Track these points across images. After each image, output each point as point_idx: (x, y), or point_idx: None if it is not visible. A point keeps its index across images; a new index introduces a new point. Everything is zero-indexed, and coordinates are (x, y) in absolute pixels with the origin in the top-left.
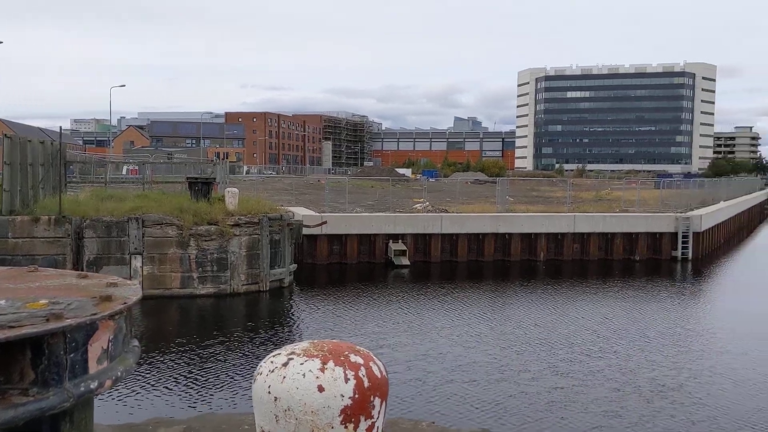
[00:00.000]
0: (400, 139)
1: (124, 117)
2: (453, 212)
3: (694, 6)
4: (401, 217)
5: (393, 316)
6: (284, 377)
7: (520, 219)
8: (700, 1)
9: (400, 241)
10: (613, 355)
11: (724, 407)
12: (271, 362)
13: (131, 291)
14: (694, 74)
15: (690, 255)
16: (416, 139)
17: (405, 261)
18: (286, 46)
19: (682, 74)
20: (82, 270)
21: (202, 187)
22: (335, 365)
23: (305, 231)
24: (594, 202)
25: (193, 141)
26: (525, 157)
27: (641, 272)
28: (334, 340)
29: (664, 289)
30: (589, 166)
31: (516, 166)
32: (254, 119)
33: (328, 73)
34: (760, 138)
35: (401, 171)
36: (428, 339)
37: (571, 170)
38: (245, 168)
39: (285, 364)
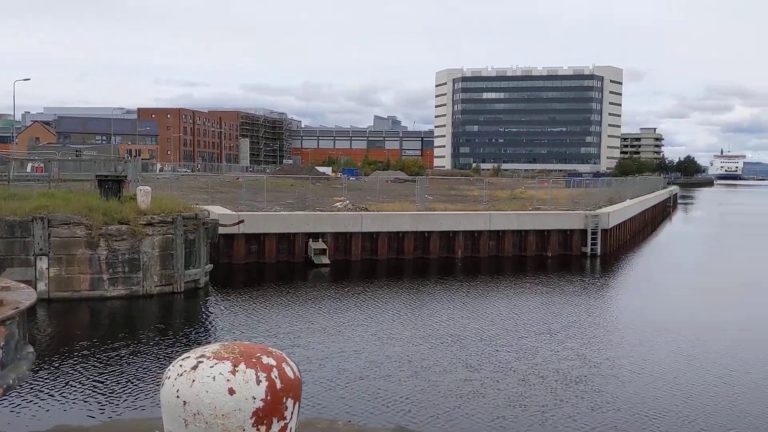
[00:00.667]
0: (320, 137)
1: (28, 112)
2: (373, 211)
3: (602, 12)
4: (321, 216)
5: (311, 315)
6: (193, 381)
7: (439, 217)
8: (607, 7)
9: (320, 239)
10: (522, 348)
11: (622, 395)
12: (180, 365)
13: (24, 295)
14: (603, 77)
15: (599, 251)
16: (336, 138)
17: (325, 260)
18: (201, 41)
19: (591, 77)
20: None
21: (112, 185)
22: (247, 367)
23: (221, 230)
24: (509, 200)
25: (104, 138)
26: (444, 157)
27: (553, 268)
28: (245, 342)
29: (574, 284)
30: (505, 166)
31: (435, 165)
32: (168, 115)
33: (245, 70)
34: (663, 139)
35: (321, 169)
36: (345, 338)
37: (488, 169)
38: (159, 166)
39: (194, 368)
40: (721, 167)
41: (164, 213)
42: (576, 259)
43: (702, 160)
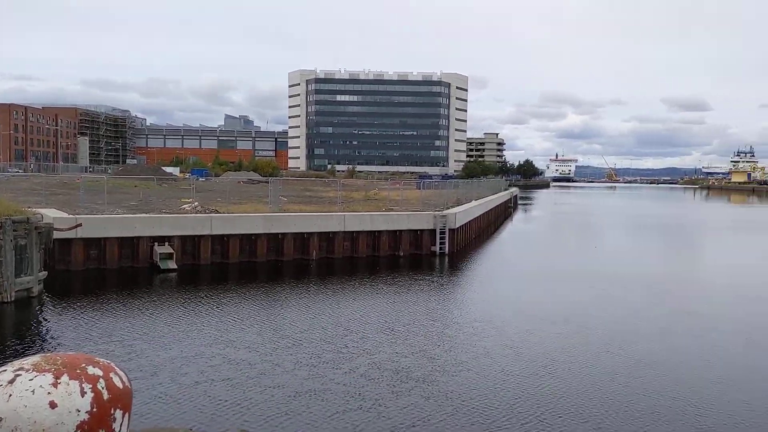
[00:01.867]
0: (167, 137)
1: None
2: (224, 212)
3: (448, 20)
4: (167, 218)
5: (152, 323)
6: (10, 395)
7: (293, 219)
8: (453, 17)
9: (166, 243)
10: (364, 346)
11: (454, 384)
12: None
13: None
14: (449, 84)
15: (447, 249)
16: (185, 137)
17: (172, 265)
18: (35, 32)
19: (439, 83)
20: None
21: None
22: (70, 379)
23: (56, 235)
24: (363, 201)
25: None
26: (298, 158)
27: (405, 267)
28: (70, 353)
29: (422, 282)
30: (359, 168)
31: (290, 166)
32: None
33: (84, 64)
34: (504, 143)
35: (168, 170)
36: (187, 344)
37: (343, 171)
38: None
39: (11, 381)
40: (556, 170)
41: None
42: (426, 258)
43: (539, 163)
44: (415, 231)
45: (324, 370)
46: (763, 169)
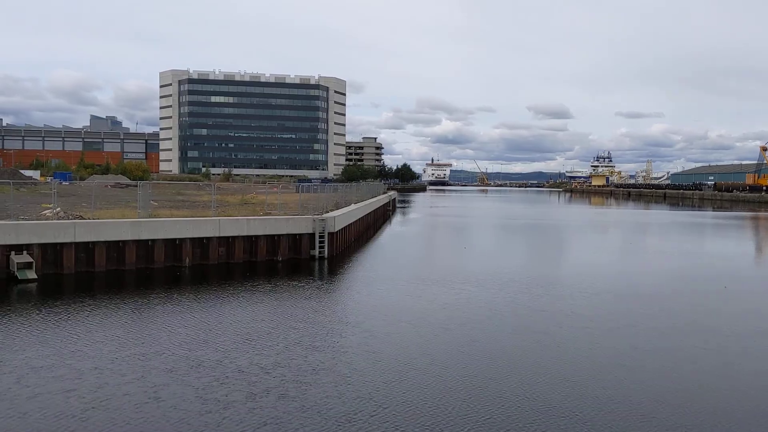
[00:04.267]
0: (26, 138)
1: None
2: (89, 218)
3: (324, 24)
4: (25, 225)
5: (18, 340)
6: None
7: (164, 224)
8: (329, 20)
9: (24, 252)
10: (229, 354)
11: (315, 388)
12: None
13: None
14: (328, 87)
15: (326, 253)
16: (46, 138)
17: (31, 275)
18: None
19: (317, 87)
20: None
21: None
22: None
23: None
24: (240, 206)
25: None
26: (171, 160)
27: (283, 272)
28: None
29: (301, 287)
30: (236, 171)
31: (161, 169)
32: None
33: None
34: (383, 148)
35: (28, 173)
36: (68, 362)
37: (218, 174)
38: None
39: None
40: (432, 174)
41: None
42: (305, 262)
43: (416, 167)
44: (294, 235)
45: (203, 381)
46: (619, 173)
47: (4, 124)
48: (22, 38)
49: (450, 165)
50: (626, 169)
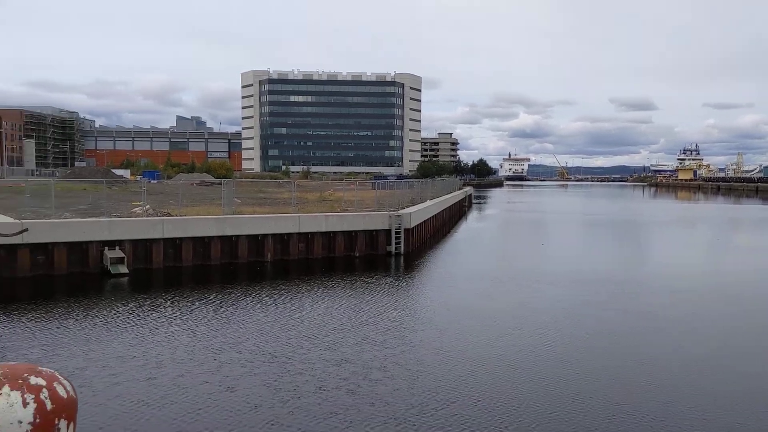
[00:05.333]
0: (117, 138)
1: None
2: (176, 215)
3: (402, 21)
4: (118, 222)
5: (102, 330)
6: None
7: (247, 221)
8: (405, 17)
9: (117, 248)
10: (321, 348)
11: (401, 384)
12: None
13: None
14: (403, 84)
15: (402, 249)
16: (135, 139)
17: (123, 269)
18: None
19: (392, 84)
20: None
21: None
22: (11, 389)
23: (0, 240)
24: (318, 202)
25: None
26: (252, 159)
27: (360, 267)
28: (11, 363)
29: (377, 282)
30: (314, 168)
31: (243, 167)
32: None
33: (29, 65)
34: (458, 143)
35: (119, 172)
36: (152, 352)
37: (297, 172)
38: None
39: None
40: (510, 169)
41: None
42: (381, 258)
43: (493, 162)
44: (371, 231)
45: (296, 374)
46: (707, 166)
47: (97, 125)
48: (113, 44)
49: (528, 159)
50: (715, 162)
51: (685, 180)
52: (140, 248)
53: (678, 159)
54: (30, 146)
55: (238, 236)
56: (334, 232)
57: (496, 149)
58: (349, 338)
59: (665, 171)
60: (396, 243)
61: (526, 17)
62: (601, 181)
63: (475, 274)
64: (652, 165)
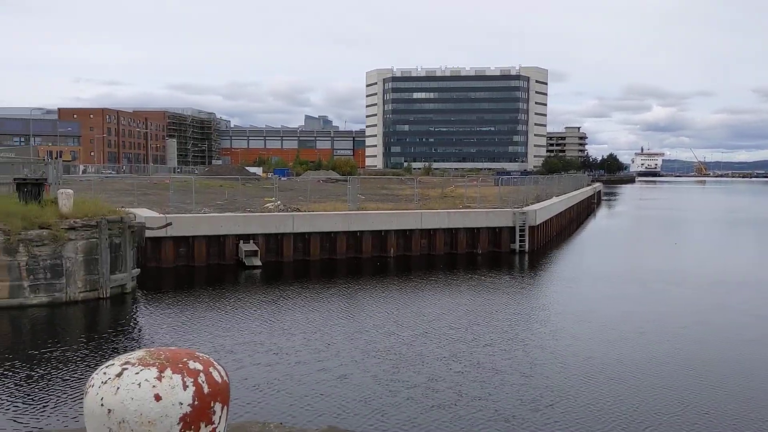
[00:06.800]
0: (250, 137)
1: None
2: (305, 211)
3: (525, 14)
4: (252, 217)
5: (243, 318)
6: (118, 388)
7: (371, 216)
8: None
9: (251, 241)
10: (453, 343)
11: (557, 385)
12: (104, 373)
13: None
14: (528, 78)
15: (526, 247)
16: (267, 137)
17: (256, 262)
18: (121, 39)
19: (517, 77)
20: None
21: (32, 188)
22: (173, 373)
23: (148, 233)
24: (440, 199)
25: (22, 139)
26: (375, 156)
27: (482, 265)
28: (171, 348)
29: (502, 280)
30: (436, 165)
31: (367, 164)
32: (91, 116)
33: (169, 69)
34: (586, 137)
35: (252, 170)
36: (277, 340)
37: (419, 168)
38: (81, 168)
39: (119, 375)
40: (642, 164)
41: (87, 217)
42: (505, 256)
43: (624, 157)
44: (494, 228)
45: (409, 367)
46: None
47: (232, 125)
48: (246, 48)
49: (662, 154)
50: None
51: None
52: (272, 242)
53: None
54: (172, 145)
55: (362, 232)
56: (457, 229)
57: (627, 144)
58: (465, 336)
59: None
60: (520, 240)
61: (658, 4)
62: (743, 177)
63: (600, 274)
64: None
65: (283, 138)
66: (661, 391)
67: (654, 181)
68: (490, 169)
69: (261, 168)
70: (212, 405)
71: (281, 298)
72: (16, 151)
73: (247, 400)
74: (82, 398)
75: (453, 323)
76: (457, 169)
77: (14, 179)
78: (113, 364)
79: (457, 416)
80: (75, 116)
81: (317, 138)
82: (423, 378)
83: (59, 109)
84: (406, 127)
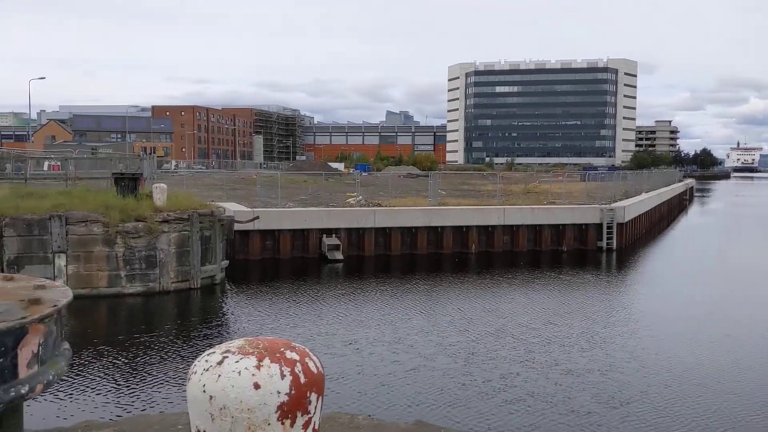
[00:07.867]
0: (333, 133)
1: (44, 110)
2: (386, 206)
3: (613, 5)
4: (334, 212)
5: (328, 311)
6: (219, 375)
7: (452, 212)
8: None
9: (333, 235)
10: (540, 343)
11: (647, 387)
12: (206, 361)
13: (60, 293)
14: (617, 70)
15: (614, 245)
16: (348, 133)
17: (339, 255)
18: (210, 38)
19: (605, 70)
20: (2, 270)
21: (128, 182)
22: (271, 362)
23: (237, 227)
24: (523, 195)
25: (119, 135)
26: (456, 151)
27: (568, 263)
28: (269, 338)
29: (590, 279)
30: (518, 160)
31: (447, 159)
32: (182, 113)
33: (253, 67)
34: (678, 131)
35: (334, 165)
36: (364, 333)
37: (501, 164)
38: (174, 163)
39: (220, 363)
40: (738, 160)
41: (180, 210)
42: (591, 254)
43: (718, 152)
44: (580, 225)
45: (495, 363)
46: None
47: (315, 122)
48: (329, 44)
49: (759, 149)
50: None
51: None
52: (354, 236)
53: None
54: (258, 141)
55: (443, 227)
56: (541, 225)
57: (722, 138)
58: (544, 335)
59: None
60: (608, 238)
61: None
62: None
63: (690, 274)
64: None
65: (365, 134)
66: (745, 399)
67: (751, 177)
68: (575, 164)
69: (343, 164)
70: (308, 395)
71: (359, 292)
72: (113, 147)
73: (336, 392)
74: (176, 383)
75: (534, 321)
76: (540, 164)
77: (112, 174)
78: (214, 353)
79: (526, 411)
80: (167, 113)
81: (398, 134)
82: (495, 374)
83: (153, 107)
84: (489, 122)
